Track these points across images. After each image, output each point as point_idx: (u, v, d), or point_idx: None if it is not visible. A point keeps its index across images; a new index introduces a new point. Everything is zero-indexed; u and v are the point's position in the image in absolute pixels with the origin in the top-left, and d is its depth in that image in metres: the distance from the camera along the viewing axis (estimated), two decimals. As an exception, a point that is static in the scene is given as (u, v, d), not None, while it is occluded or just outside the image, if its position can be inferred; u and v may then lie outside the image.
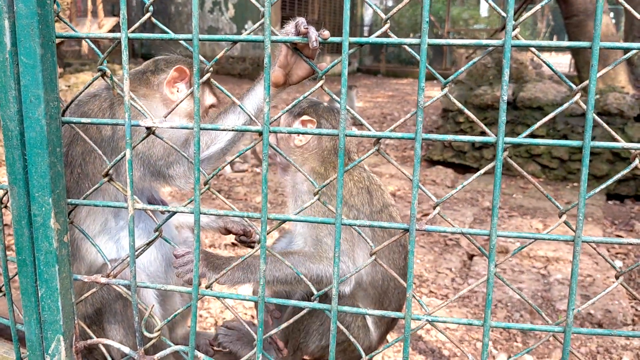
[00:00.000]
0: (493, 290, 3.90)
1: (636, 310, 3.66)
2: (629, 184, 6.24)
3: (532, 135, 6.68)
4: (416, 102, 1.15)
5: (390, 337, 2.48)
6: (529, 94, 6.73)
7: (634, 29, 9.79)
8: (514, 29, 1.04)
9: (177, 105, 1.21)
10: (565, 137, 6.56)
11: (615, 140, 1.09)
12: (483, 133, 1.44)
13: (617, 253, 4.58)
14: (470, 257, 4.46)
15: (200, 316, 3.44)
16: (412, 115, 1.12)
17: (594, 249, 1.15)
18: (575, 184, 6.46)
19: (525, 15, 1.09)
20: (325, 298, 1.79)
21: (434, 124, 10.09)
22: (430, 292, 3.85)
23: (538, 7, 1.07)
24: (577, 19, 7.00)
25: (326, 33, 1.18)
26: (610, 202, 6.16)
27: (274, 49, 1.46)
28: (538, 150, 6.69)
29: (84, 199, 1.34)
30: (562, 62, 19.85)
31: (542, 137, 6.57)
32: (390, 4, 26.43)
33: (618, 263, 4.39)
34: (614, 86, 6.65)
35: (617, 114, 6.30)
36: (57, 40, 1.24)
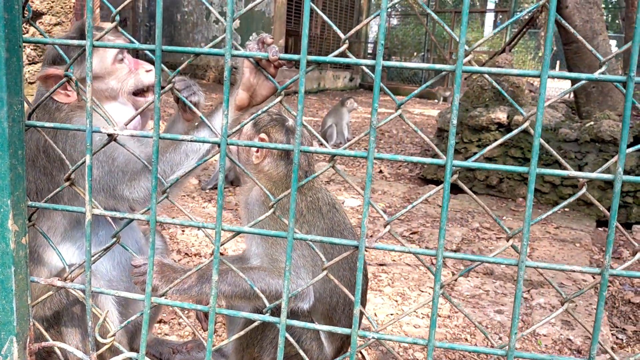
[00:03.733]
0: (474, 311, 3.91)
1: (617, 337, 3.66)
2: (620, 212, 6.24)
3: (524, 159, 6.70)
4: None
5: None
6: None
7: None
8: (466, 55, 1.06)
9: (135, 115, 1.23)
10: (557, 162, 6.57)
11: (565, 168, 1.11)
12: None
13: (602, 280, 4.57)
14: (455, 277, 4.46)
15: (179, 324, 3.43)
16: (365, 135, 1.14)
17: (541, 274, 1.16)
18: (567, 209, 6.46)
19: (481, 40, 1.11)
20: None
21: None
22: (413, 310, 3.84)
23: (498, 29, 1.09)
24: (576, 46, 7.04)
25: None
26: (600, 228, 6.16)
27: (238, 71, 1.50)
28: (531, 174, 6.69)
29: (45, 202, 1.35)
30: (565, 88, 19.96)
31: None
32: (394, 22, 26.65)
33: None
34: (609, 113, 6.68)
35: (610, 141, 6.32)
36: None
